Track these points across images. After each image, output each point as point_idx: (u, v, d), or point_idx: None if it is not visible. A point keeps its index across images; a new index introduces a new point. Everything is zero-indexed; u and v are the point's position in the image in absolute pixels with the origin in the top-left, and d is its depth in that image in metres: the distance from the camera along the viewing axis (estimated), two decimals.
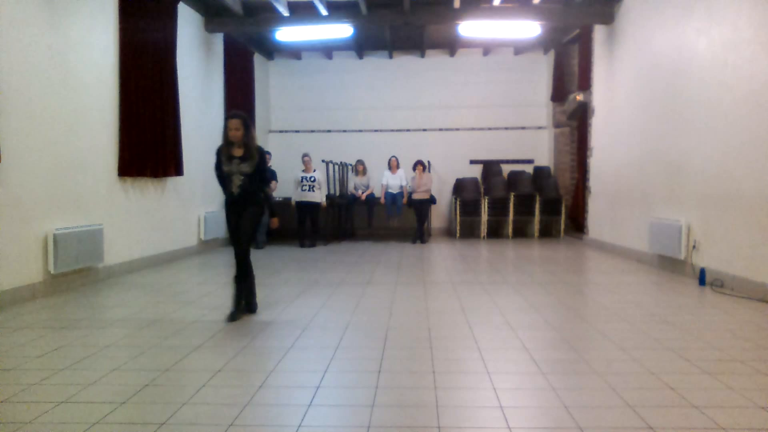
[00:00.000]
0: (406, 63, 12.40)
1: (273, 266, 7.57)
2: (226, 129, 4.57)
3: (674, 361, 3.45)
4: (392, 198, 10.65)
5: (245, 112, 10.49)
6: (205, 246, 8.80)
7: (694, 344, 3.80)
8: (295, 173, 10.12)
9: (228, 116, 4.63)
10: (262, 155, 4.67)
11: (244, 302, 4.69)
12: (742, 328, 4.22)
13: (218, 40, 9.73)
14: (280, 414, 2.70)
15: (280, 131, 12.48)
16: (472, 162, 12.19)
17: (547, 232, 11.46)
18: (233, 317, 4.50)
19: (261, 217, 4.78)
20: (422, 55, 12.28)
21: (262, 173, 4.68)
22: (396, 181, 10.71)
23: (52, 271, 5.46)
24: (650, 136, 7.54)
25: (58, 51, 5.66)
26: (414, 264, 7.75)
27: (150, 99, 7.16)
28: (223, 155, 4.61)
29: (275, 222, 4.93)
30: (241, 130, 4.54)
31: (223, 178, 4.64)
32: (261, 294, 5.60)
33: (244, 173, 4.57)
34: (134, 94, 6.86)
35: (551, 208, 11.22)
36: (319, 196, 9.92)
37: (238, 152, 4.59)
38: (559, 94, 11.37)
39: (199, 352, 3.69)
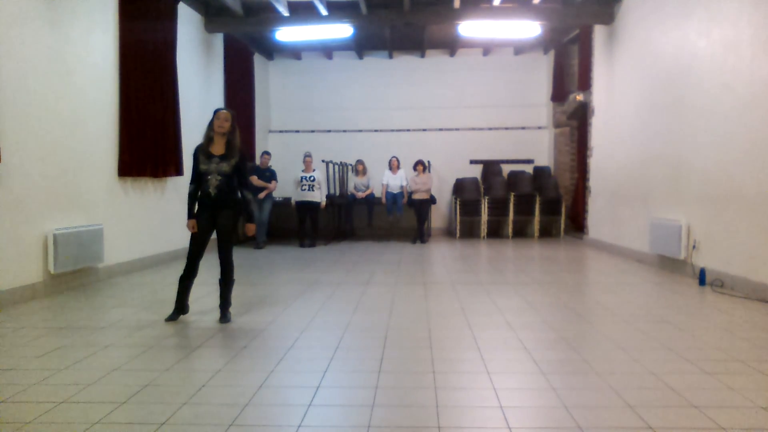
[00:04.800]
0: (406, 63, 12.40)
1: (273, 266, 7.57)
2: (212, 122, 4.37)
3: (674, 361, 3.45)
4: (393, 198, 10.65)
5: (245, 112, 10.62)
6: None
7: (694, 344, 3.80)
8: (295, 173, 10.12)
9: (217, 109, 4.45)
10: (243, 156, 4.49)
11: (220, 308, 4.50)
12: (742, 328, 4.22)
13: (218, 40, 9.73)
14: (280, 414, 2.70)
15: (280, 131, 12.48)
16: (472, 162, 12.19)
17: (547, 232, 11.46)
18: (173, 317, 4.46)
19: (238, 220, 4.56)
20: (422, 55, 12.28)
21: (242, 175, 4.48)
22: (396, 181, 10.72)
23: (52, 271, 5.46)
24: (650, 136, 7.54)
25: (58, 51, 5.66)
26: (414, 264, 7.75)
27: (150, 99, 7.16)
28: (202, 153, 4.39)
29: (251, 229, 4.57)
30: (229, 122, 4.38)
31: (200, 177, 4.39)
32: (261, 294, 5.61)
33: (223, 173, 4.36)
34: (134, 94, 6.86)
35: (551, 208, 11.21)
36: (318, 196, 9.92)
37: (218, 151, 4.40)
38: (559, 94, 11.37)
39: (199, 352, 3.69)
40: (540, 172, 11.72)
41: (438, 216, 12.20)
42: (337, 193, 10.71)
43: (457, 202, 11.41)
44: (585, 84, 9.97)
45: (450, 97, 12.26)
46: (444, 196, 12.12)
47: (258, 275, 6.81)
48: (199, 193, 4.47)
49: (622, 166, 8.49)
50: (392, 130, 12.32)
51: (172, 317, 4.48)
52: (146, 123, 7.05)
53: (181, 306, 4.53)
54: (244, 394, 2.91)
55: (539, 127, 12.18)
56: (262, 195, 9.78)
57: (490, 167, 11.96)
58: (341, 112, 12.38)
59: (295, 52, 12.34)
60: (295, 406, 2.78)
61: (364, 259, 8.21)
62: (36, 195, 5.36)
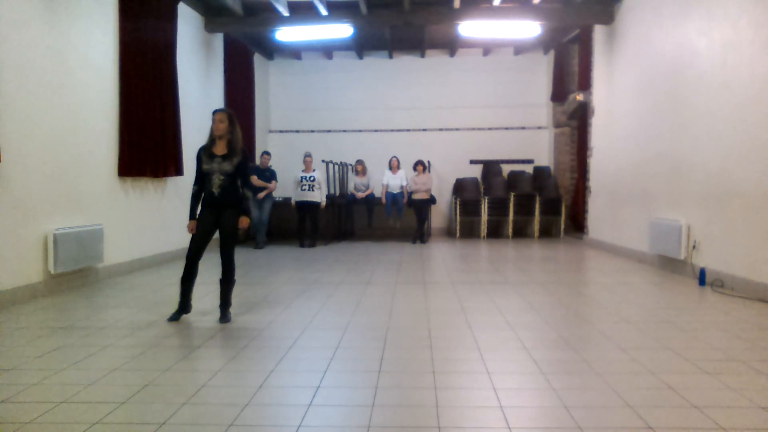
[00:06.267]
0: (406, 63, 12.40)
1: (273, 266, 7.58)
2: (212, 124, 4.46)
3: (674, 361, 3.45)
4: (393, 198, 10.66)
5: (245, 112, 10.63)
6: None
7: (694, 344, 3.80)
8: (295, 173, 10.12)
9: (214, 111, 4.52)
10: (245, 155, 4.52)
11: (220, 308, 4.51)
12: (742, 328, 4.22)
13: (218, 40, 9.73)
14: (280, 414, 2.70)
15: (280, 131, 12.48)
16: (472, 162, 12.19)
17: (547, 232, 11.46)
18: (176, 317, 4.45)
19: (240, 218, 4.58)
20: (422, 55, 12.28)
21: (244, 175, 4.51)
22: (396, 181, 10.72)
23: (52, 271, 5.45)
24: (650, 135, 7.54)
25: (58, 51, 5.66)
26: (414, 264, 7.75)
27: (150, 99, 7.16)
28: (205, 154, 4.47)
29: (245, 221, 4.55)
30: (225, 123, 4.41)
31: (203, 178, 4.46)
32: (261, 293, 5.61)
33: (225, 172, 4.41)
34: (134, 94, 6.86)
35: (551, 208, 11.21)
36: (318, 196, 9.92)
37: (220, 151, 4.46)
38: (559, 94, 11.37)
39: (199, 352, 3.69)
40: (540, 172, 11.72)
41: (438, 216, 12.20)
42: (337, 193, 10.71)
43: (457, 202, 11.41)
44: (585, 84, 9.96)
45: (450, 97, 12.26)
46: (444, 196, 12.12)
47: (258, 275, 6.81)
48: (203, 194, 4.51)
49: (622, 166, 8.49)
50: (392, 130, 12.32)
51: (175, 317, 4.47)
52: (146, 123, 7.05)
53: (184, 306, 4.53)
54: (244, 394, 2.91)
55: (539, 127, 12.18)
56: (261, 195, 9.78)
57: (490, 167, 11.96)
58: (341, 112, 12.38)
59: (295, 52, 12.34)
60: (295, 406, 2.78)
61: (364, 259, 8.21)
62: (36, 195, 5.36)
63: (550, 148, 12.01)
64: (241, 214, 4.55)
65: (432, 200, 10.96)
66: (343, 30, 9.47)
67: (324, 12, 9.04)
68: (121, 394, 2.90)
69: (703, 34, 6.28)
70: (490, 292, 5.62)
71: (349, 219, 11.37)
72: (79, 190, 6.01)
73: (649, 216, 7.47)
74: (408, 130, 12.32)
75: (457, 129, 12.27)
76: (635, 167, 8.00)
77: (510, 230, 11.23)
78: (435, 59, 12.36)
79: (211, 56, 9.43)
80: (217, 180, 4.42)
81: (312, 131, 12.42)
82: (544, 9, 8.93)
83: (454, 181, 11.98)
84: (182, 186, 8.19)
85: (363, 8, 8.86)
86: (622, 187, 8.46)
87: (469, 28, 9.33)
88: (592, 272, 7.18)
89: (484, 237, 11.22)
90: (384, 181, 10.80)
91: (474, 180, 11.76)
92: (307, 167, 9.98)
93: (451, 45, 11.85)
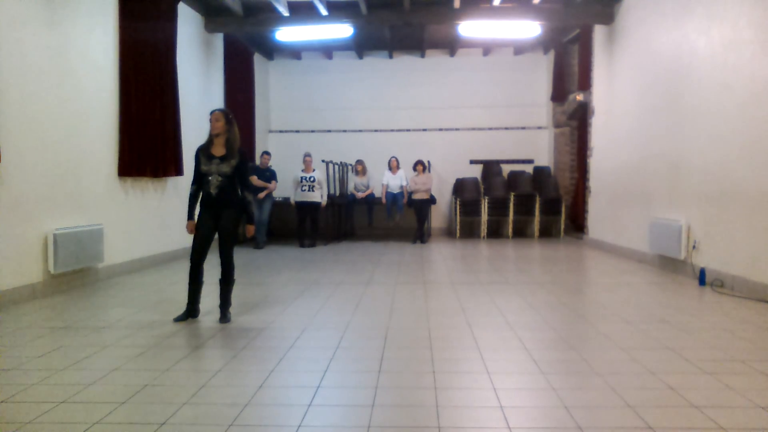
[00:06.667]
0: (406, 63, 12.40)
1: (273, 266, 7.58)
2: (210, 124, 4.46)
3: (674, 361, 3.45)
4: (393, 198, 10.66)
5: (245, 112, 10.62)
6: None
7: (694, 344, 3.80)
8: (295, 173, 10.12)
9: (211, 111, 4.52)
10: (244, 157, 4.50)
11: (220, 308, 4.51)
12: (742, 328, 4.22)
13: (218, 40, 9.73)
14: (280, 414, 2.70)
15: (280, 131, 12.47)
16: (472, 162, 12.19)
17: (547, 232, 11.46)
18: (182, 318, 4.44)
19: (240, 220, 4.58)
20: (422, 55, 12.28)
21: (242, 176, 4.50)
22: (396, 181, 10.73)
23: (52, 271, 5.45)
24: (650, 135, 7.54)
25: (58, 51, 5.66)
26: (414, 264, 7.75)
27: (150, 99, 7.16)
28: (203, 154, 4.45)
29: (251, 230, 4.60)
30: (221, 121, 4.40)
31: (201, 178, 4.45)
32: (261, 294, 5.61)
33: (223, 174, 4.40)
34: (134, 94, 6.86)
35: (551, 208, 11.21)
36: (318, 196, 9.92)
37: (219, 152, 4.44)
38: (559, 94, 11.37)
39: (199, 352, 3.69)
40: (540, 172, 11.72)
41: (438, 216, 12.19)
42: (337, 193, 10.71)
43: (457, 202, 11.41)
44: (585, 84, 9.96)
45: (450, 97, 12.26)
46: (444, 196, 12.11)
47: (258, 275, 6.81)
48: (201, 194, 4.51)
49: (622, 166, 8.49)
50: (392, 130, 12.32)
51: (181, 318, 4.47)
52: (146, 123, 7.05)
53: (190, 311, 4.52)
54: (244, 394, 2.91)
55: (539, 127, 12.18)
56: (262, 195, 9.78)
57: (490, 167, 11.96)
58: (341, 112, 12.38)
59: (295, 52, 12.33)
60: (295, 406, 2.78)
61: (364, 259, 8.21)
62: (36, 195, 5.36)
63: (550, 148, 12.01)
64: (240, 214, 4.55)
65: (432, 200, 10.96)
66: (343, 30, 9.47)
67: (324, 12, 9.04)
68: (121, 394, 2.91)
69: (702, 34, 6.28)
70: (490, 292, 5.62)
71: (349, 219, 11.37)
72: (79, 190, 6.01)
73: (649, 216, 7.47)
74: (408, 130, 12.32)
75: (457, 129, 12.27)
76: (635, 167, 8.00)
77: (510, 230, 11.22)
78: (435, 59, 12.36)
79: (211, 56, 9.43)
80: (215, 181, 4.41)
81: (312, 131, 12.41)
82: (544, 9, 8.93)
83: (454, 181, 11.98)
84: (182, 186, 8.18)
85: (363, 8, 8.86)
86: (622, 187, 8.46)
87: (469, 28, 9.32)
88: (592, 272, 7.18)
89: (484, 237, 11.22)
90: (384, 181, 10.80)
91: (474, 180, 11.76)
92: (307, 167, 9.98)
93: (451, 45, 11.85)
